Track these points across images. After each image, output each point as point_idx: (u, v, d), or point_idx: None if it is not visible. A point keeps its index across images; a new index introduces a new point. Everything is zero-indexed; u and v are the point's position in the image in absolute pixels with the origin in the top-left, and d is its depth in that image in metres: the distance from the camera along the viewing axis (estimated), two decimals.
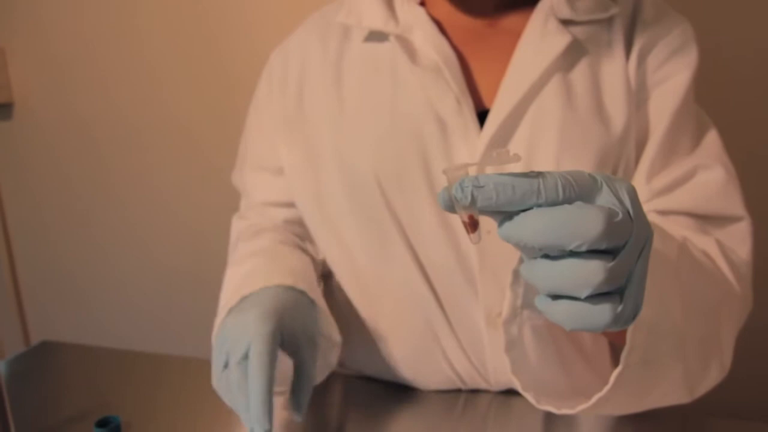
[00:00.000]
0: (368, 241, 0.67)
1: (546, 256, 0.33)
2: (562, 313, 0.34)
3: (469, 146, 0.62)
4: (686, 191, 0.63)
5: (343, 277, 0.72)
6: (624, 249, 0.33)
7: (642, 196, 0.63)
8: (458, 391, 0.70)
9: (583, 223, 0.31)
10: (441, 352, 0.67)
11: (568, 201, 0.32)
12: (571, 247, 0.31)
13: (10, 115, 1.48)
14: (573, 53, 0.64)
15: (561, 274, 0.32)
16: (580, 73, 0.64)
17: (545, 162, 0.61)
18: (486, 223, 0.34)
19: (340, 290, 0.73)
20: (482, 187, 0.31)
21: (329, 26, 0.72)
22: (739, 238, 0.63)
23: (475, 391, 0.70)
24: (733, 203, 0.63)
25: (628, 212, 0.33)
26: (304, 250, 0.75)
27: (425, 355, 0.68)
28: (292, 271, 0.65)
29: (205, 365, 0.79)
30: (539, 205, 0.32)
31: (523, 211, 0.32)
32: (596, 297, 0.33)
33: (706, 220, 0.63)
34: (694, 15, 0.70)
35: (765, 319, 0.78)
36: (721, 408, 0.64)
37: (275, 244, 0.72)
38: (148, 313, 1.43)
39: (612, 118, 0.63)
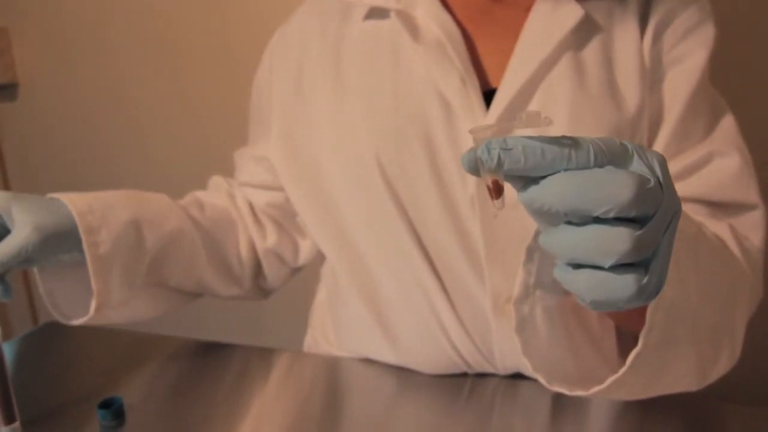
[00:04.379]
0: (370, 227, 0.66)
1: (569, 223, 0.32)
2: (584, 282, 0.32)
3: None
4: (701, 178, 0.61)
5: (342, 264, 0.70)
6: (653, 219, 0.31)
7: None
8: (464, 375, 0.69)
9: (614, 187, 0.30)
10: (446, 337, 0.66)
11: (600, 166, 0.31)
12: (599, 212, 0.30)
13: (15, 95, 1.48)
14: (585, 29, 0.62)
15: (585, 241, 0.31)
16: (592, 50, 0.62)
17: None
18: (494, 207, 0.33)
19: (340, 276, 0.72)
20: (510, 149, 0.30)
21: (329, 5, 0.70)
22: (753, 226, 0.61)
23: (481, 375, 0.69)
24: (748, 191, 0.61)
25: (659, 181, 0.32)
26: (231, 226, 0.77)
27: (430, 340, 0.67)
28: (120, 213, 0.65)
29: (210, 348, 0.79)
30: (568, 170, 0.30)
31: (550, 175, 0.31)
32: (620, 267, 0.31)
33: (719, 207, 0.61)
34: None
35: None
36: (725, 393, 0.63)
37: (185, 212, 0.73)
38: None
39: (625, 99, 0.61)
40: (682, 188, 0.61)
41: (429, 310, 0.66)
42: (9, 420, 0.60)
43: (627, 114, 0.61)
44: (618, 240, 0.30)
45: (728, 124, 0.63)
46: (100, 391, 0.68)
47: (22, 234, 0.57)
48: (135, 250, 0.65)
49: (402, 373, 0.70)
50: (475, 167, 0.31)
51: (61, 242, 0.60)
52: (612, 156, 0.31)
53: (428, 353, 0.68)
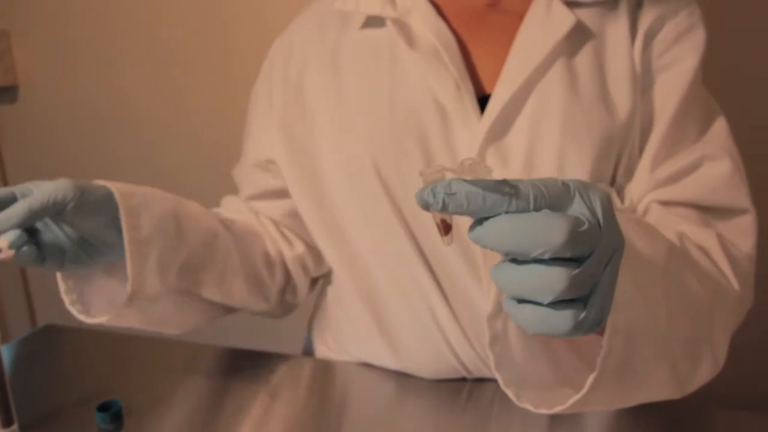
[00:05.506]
0: (369, 232, 0.67)
1: (513, 261, 0.33)
2: (526, 317, 0.34)
3: (470, 133, 0.61)
4: (691, 182, 0.61)
5: (342, 268, 0.70)
6: (589, 258, 0.33)
7: (645, 185, 0.63)
8: (463, 379, 0.69)
9: (547, 231, 0.31)
10: (445, 341, 0.66)
11: (538, 209, 0.32)
12: (535, 254, 0.32)
13: (15, 97, 1.48)
14: (577, 36, 0.62)
15: (525, 279, 0.33)
16: (584, 57, 0.62)
17: (548, 150, 0.60)
18: (444, 243, 0.36)
19: (338, 281, 0.72)
20: (454, 194, 0.32)
21: (327, 14, 0.71)
22: (743, 232, 0.61)
23: (480, 380, 0.69)
24: (739, 195, 0.62)
25: (599, 222, 0.33)
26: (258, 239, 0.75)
27: (429, 344, 0.67)
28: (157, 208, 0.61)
29: (208, 351, 0.79)
30: (508, 213, 0.32)
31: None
32: (559, 303, 0.33)
33: (710, 211, 0.61)
34: None
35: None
36: (722, 399, 0.63)
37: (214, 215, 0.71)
38: None
39: (617, 105, 0.62)
40: (673, 192, 0.62)
41: (428, 315, 0.66)
42: (7, 423, 0.60)
43: (619, 120, 0.61)
44: (554, 279, 0.32)
45: (720, 128, 0.64)
46: (99, 394, 0.68)
47: (55, 183, 0.54)
48: (174, 240, 0.62)
49: (401, 377, 0.70)
50: (426, 205, 0.33)
51: (96, 211, 0.56)
52: (552, 199, 0.33)
53: (427, 357, 0.68)
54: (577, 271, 0.32)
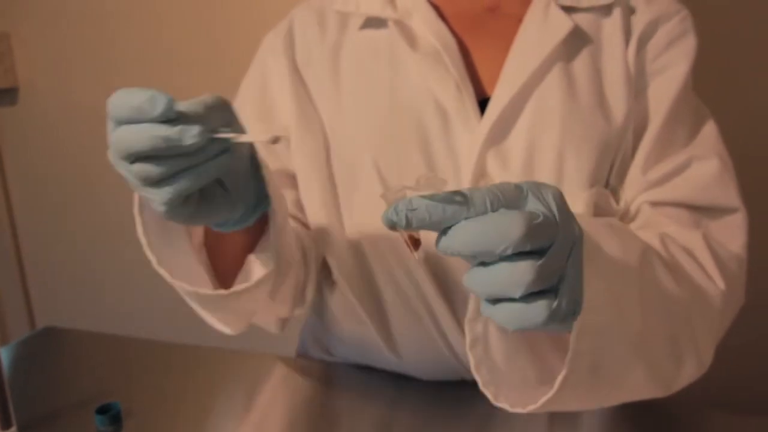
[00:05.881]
0: (369, 231, 0.67)
1: (482, 264, 0.35)
2: (503, 315, 0.36)
3: (470, 134, 0.62)
4: (681, 182, 0.62)
5: (341, 269, 0.70)
6: (551, 249, 0.35)
7: (637, 186, 0.63)
8: (463, 381, 0.69)
9: (506, 227, 0.33)
10: (445, 343, 0.66)
11: (495, 211, 0.34)
12: (498, 251, 0.33)
13: (15, 99, 1.48)
14: (575, 41, 0.63)
15: (495, 277, 0.35)
16: (581, 62, 0.63)
17: (547, 152, 0.61)
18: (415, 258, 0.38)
19: (338, 282, 0.72)
20: (415, 209, 0.34)
21: (327, 14, 0.71)
22: (733, 231, 0.61)
23: None
24: (728, 194, 0.62)
25: (554, 215, 0.35)
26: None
27: (429, 346, 0.67)
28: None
29: (207, 353, 0.79)
30: (468, 218, 0.34)
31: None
32: (531, 296, 0.35)
33: (699, 211, 0.62)
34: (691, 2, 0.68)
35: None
36: (717, 401, 0.63)
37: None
38: (153, 301, 1.43)
39: (613, 110, 0.62)
40: (663, 193, 0.62)
41: (428, 316, 0.66)
42: (6, 425, 0.60)
43: (615, 124, 0.62)
44: (521, 272, 0.34)
45: (709, 131, 0.64)
46: (98, 396, 0.68)
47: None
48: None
49: (401, 379, 0.70)
50: (391, 224, 0.34)
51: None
52: (507, 201, 0.35)
53: (428, 359, 0.68)
54: (541, 261, 0.34)
